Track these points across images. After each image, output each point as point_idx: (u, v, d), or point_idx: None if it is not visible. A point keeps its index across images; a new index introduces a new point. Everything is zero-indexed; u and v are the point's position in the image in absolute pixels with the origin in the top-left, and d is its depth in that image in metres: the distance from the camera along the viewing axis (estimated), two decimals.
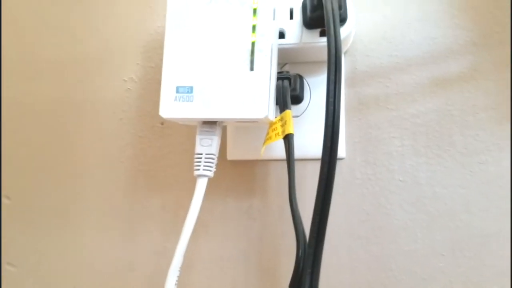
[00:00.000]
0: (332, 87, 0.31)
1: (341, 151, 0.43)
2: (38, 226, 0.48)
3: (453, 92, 0.42)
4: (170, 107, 0.33)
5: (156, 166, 0.46)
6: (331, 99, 0.30)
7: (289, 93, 0.37)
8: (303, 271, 0.30)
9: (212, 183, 0.38)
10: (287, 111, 0.35)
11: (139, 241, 0.45)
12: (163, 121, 0.46)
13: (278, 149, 0.42)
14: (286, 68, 0.43)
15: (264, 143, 0.36)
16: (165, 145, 0.46)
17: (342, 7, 0.37)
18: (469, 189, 0.40)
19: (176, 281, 0.33)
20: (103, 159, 0.47)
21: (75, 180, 0.47)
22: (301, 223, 0.32)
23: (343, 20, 0.38)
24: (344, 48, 0.43)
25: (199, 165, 0.34)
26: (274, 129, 0.35)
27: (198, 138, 0.34)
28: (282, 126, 0.35)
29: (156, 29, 0.47)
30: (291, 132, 0.34)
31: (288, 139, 0.34)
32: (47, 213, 0.48)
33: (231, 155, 0.44)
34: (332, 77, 0.32)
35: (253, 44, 0.33)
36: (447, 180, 0.41)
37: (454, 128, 0.41)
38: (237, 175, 0.45)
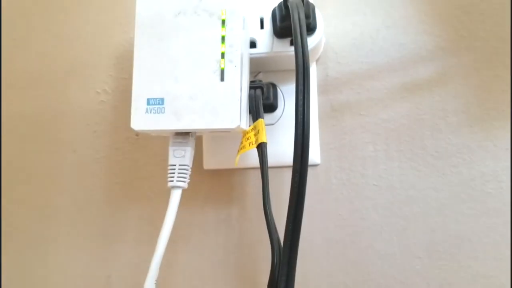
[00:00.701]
0: (300, 97, 0.31)
1: (316, 158, 0.43)
2: (13, 242, 0.47)
3: (423, 96, 0.43)
4: (142, 120, 0.33)
5: (132, 178, 0.46)
6: (300, 108, 0.30)
7: (261, 102, 0.37)
8: (278, 278, 0.30)
9: (189, 193, 0.37)
10: (260, 120, 0.35)
11: (116, 255, 0.45)
12: (137, 133, 0.46)
13: (253, 158, 0.42)
14: (259, 76, 0.43)
15: (238, 153, 0.36)
16: (140, 157, 0.46)
17: (310, 16, 0.38)
18: (443, 192, 0.41)
19: None
20: (78, 172, 0.47)
21: (50, 193, 0.47)
22: (275, 231, 0.33)
23: (312, 29, 0.39)
24: (315, 56, 0.43)
25: (172, 177, 0.34)
26: (248, 138, 0.35)
27: (171, 149, 0.34)
28: (255, 135, 0.35)
29: (128, 40, 0.47)
30: (264, 140, 0.35)
31: (261, 148, 0.35)
32: (20, 227, 0.47)
33: (207, 165, 0.44)
34: (301, 87, 0.32)
35: (222, 54, 0.33)
36: (420, 184, 0.42)
37: (425, 132, 0.42)
38: (214, 184, 0.44)
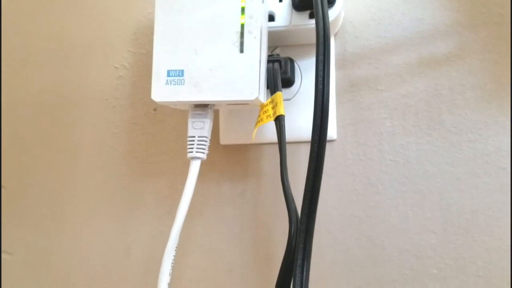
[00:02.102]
0: (321, 67, 0.32)
1: (332, 133, 0.43)
2: (32, 214, 0.48)
3: (441, 72, 0.42)
4: (162, 91, 0.34)
5: (150, 152, 0.46)
6: (320, 78, 0.31)
7: (279, 75, 0.37)
8: (295, 247, 0.31)
9: (206, 168, 0.38)
10: (278, 93, 0.36)
11: (135, 226, 0.46)
12: (155, 107, 0.46)
13: (270, 133, 0.43)
14: (276, 51, 0.44)
15: (255, 126, 0.36)
16: (158, 131, 0.46)
17: None
18: (458, 167, 0.41)
19: (173, 261, 0.34)
20: (97, 146, 0.47)
21: (70, 168, 0.48)
22: (293, 201, 0.33)
23: (331, 2, 0.39)
24: (333, 30, 0.43)
25: (192, 148, 0.34)
26: (265, 111, 0.36)
27: (190, 121, 0.35)
28: (273, 108, 0.35)
29: (146, 15, 0.47)
30: (282, 113, 0.35)
31: (279, 121, 0.35)
32: (41, 201, 0.48)
33: (224, 140, 0.45)
34: (321, 57, 0.32)
35: (242, 26, 0.33)
36: (437, 159, 0.42)
37: (442, 108, 0.42)
38: (231, 159, 0.45)
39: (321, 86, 0.31)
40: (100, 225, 0.47)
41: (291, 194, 0.34)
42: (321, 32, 0.32)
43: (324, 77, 0.31)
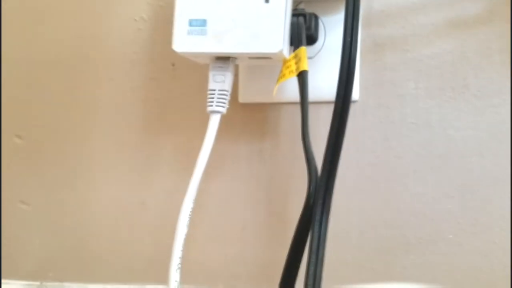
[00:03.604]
0: (349, 26, 0.31)
1: (355, 94, 0.42)
2: (50, 165, 0.49)
3: (469, 34, 0.41)
4: (183, 42, 0.33)
5: (167, 107, 0.46)
6: (348, 37, 0.30)
7: (304, 30, 0.36)
8: (314, 203, 0.31)
9: (224, 126, 0.38)
10: (302, 48, 0.35)
11: (152, 181, 0.46)
12: (174, 63, 0.46)
13: (290, 92, 0.42)
14: (301, 6, 0.42)
15: (277, 81, 0.35)
16: (176, 87, 0.46)
17: None
18: (481, 132, 0.40)
19: (190, 213, 0.34)
20: (115, 100, 0.47)
21: (87, 121, 0.48)
22: (313, 158, 0.33)
23: None
24: None
25: (212, 101, 0.34)
26: (288, 67, 0.35)
27: (211, 74, 0.34)
28: (296, 63, 0.35)
29: None
30: (306, 69, 0.34)
31: (302, 76, 0.34)
32: (59, 152, 0.48)
33: (243, 98, 0.44)
34: (350, 15, 0.31)
35: None
36: (459, 123, 0.41)
37: (468, 71, 0.41)
38: (249, 118, 0.45)
39: (349, 39, 0.30)
40: (117, 177, 0.47)
41: (312, 151, 0.33)
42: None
43: (351, 37, 0.30)
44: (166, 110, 0.46)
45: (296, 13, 0.37)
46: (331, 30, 0.42)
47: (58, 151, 0.48)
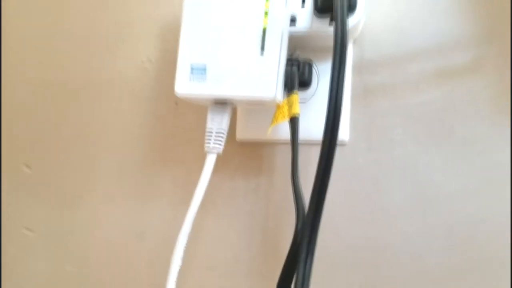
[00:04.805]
0: (336, 73, 0.33)
1: (345, 136, 0.44)
2: (55, 194, 0.51)
3: (457, 83, 0.43)
4: (185, 85, 0.36)
5: (169, 143, 0.48)
6: (334, 85, 0.32)
7: (297, 77, 0.39)
8: (300, 242, 0.33)
9: (221, 162, 0.40)
10: (294, 94, 0.37)
11: (150, 213, 0.48)
12: (177, 102, 0.48)
13: (285, 132, 0.44)
14: (297, 53, 0.45)
15: (271, 124, 0.38)
16: (178, 124, 0.48)
17: None
18: (466, 178, 0.42)
19: (185, 247, 0.36)
20: (120, 134, 0.50)
21: (92, 152, 0.50)
22: (301, 198, 0.35)
23: (352, 8, 0.40)
24: (353, 36, 0.44)
25: (209, 141, 0.36)
26: (281, 111, 0.37)
27: (209, 115, 0.37)
28: (288, 108, 0.37)
29: (172, 12, 0.49)
30: (297, 114, 0.36)
31: (293, 121, 0.36)
32: (64, 182, 0.51)
33: (240, 136, 0.46)
34: (337, 64, 0.34)
35: (264, 29, 0.35)
36: (445, 169, 0.43)
37: (455, 119, 0.43)
38: (245, 155, 0.47)
39: (334, 92, 0.32)
40: (118, 208, 0.49)
41: (300, 191, 0.35)
42: (339, 39, 0.33)
43: (338, 84, 0.32)
44: (168, 145, 0.48)
45: (291, 61, 0.40)
46: (324, 75, 0.44)
47: (64, 180, 0.51)
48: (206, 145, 0.36)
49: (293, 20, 0.41)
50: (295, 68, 0.40)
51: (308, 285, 0.31)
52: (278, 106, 0.38)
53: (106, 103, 0.50)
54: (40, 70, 0.52)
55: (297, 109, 0.36)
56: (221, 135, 0.36)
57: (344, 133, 0.44)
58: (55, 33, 0.53)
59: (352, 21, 0.40)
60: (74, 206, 0.50)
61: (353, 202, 0.44)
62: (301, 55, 0.44)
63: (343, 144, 0.45)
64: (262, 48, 0.35)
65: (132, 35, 0.50)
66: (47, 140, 0.52)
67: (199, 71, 0.35)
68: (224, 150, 0.40)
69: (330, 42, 0.37)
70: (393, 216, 0.43)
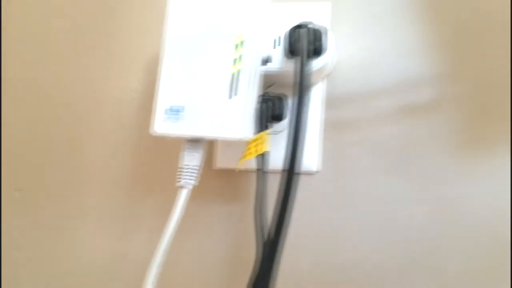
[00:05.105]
0: (294, 112, 0.37)
1: (316, 166, 0.48)
2: (43, 216, 0.54)
3: (418, 118, 0.46)
4: (161, 125, 0.39)
5: (152, 170, 0.52)
6: (293, 124, 0.36)
7: (267, 115, 0.42)
8: (260, 271, 0.36)
9: (199, 190, 0.43)
10: (263, 133, 0.40)
11: (133, 236, 0.52)
12: None
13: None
14: (273, 86, 0.48)
15: (240, 159, 0.41)
16: (162, 152, 0.51)
17: (320, 40, 0.42)
18: (425, 206, 0.45)
19: (154, 277, 0.39)
20: (105, 160, 0.53)
21: (80, 177, 0.54)
22: (261, 229, 0.38)
23: (320, 51, 0.43)
24: (322, 74, 0.47)
25: (180, 177, 0.40)
26: (250, 148, 0.41)
27: (183, 152, 0.40)
28: (258, 145, 0.40)
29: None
30: (263, 152, 0.40)
31: (261, 157, 0.40)
32: (52, 205, 0.54)
33: (218, 164, 0.50)
34: (296, 103, 0.37)
35: (233, 75, 0.39)
36: (407, 199, 0.46)
37: (416, 151, 0.46)
38: (223, 182, 0.50)
39: (293, 132, 0.36)
40: (103, 231, 0.52)
41: (262, 223, 0.38)
42: (298, 87, 0.37)
43: (296, 122, 0.36)
44: (151, 173, 0.52)
45: (264, 99, 0.43)
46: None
47: (52, 204, 0.54)
48: (177, 182, 0.40)
49: (267, 61, 0.44)
50: (264, 106, 0.43)
51: None
52: (247, 143, 0.41)
53: (93, 129, 0.54)
54: (32, 100, 0.56)
55: (265, 147, 0.40)
56: (195, 171, 0.40)
57: (314, 163, 0.48)
58: (46, 60, 0.56)
59: (320, 62, 0.44)
60: (61, 228, 0.54)
61: (319, 229, 0.47)
62: (277, 90, 0.48)
63: (312, 174, 0.48)
64: (231, 92, 0.38)
65: (122, 65, 0.54)
66: (36, 166, 0.55)
67: (174, 112, 0.39)
68: (204, 178, 0.43)
69: None
70: (354, 245, 0.46)
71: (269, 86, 0.48)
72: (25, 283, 0.54)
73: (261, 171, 0.39)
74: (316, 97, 0.48)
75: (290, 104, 0.47)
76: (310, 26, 0.41)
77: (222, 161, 0.50)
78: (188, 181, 0.40)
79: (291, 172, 0.37)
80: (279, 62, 0.45)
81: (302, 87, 0.38)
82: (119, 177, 0.53)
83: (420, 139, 0.46)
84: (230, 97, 0.38)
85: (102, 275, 0.52)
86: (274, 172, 0.45)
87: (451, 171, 0.45)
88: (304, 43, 0.39)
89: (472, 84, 0.46)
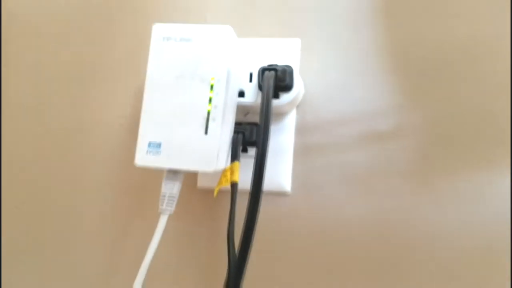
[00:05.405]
0: (260, 143, 0.42)
1: (288, 187, 0.52)
2: (39, 230, 0.59)
3: (380, 145, 0.51)
4: (143, 158, 0.44)
5: (138, 195, 0.56)
6: (257, 159, 0.41)
7: (240, 146, 0.47)
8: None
9: (182, 207, 0.48)
10: (236, 162, 0.45)
11: (120, 257, 0.56)
12: None
13: (241, 181, 0.52)
14: (249, 115, 0.53)
15: (216, 187, 0.46)
16: (148, 178, 0.56)
17: (286, 79, 0.47)
18: (385, 226, 0.50)
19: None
20: (97, 184, 0.58)
21: (70, 200, 0.58)
22: (232, 250, 0.43)
23: (288, 88, 0.48)
24: (293, 105, 0.52)
25: (163, 203, 0.44)
26: (225, 176, 0.45)
27: (164, 182, 0.45)
28: (230, 174, 0.45)
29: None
30: (236, 180, 0.45)
31: (233, 187, 0.45)
32: (48, 220, 0.59)
33: (200, 183, 0.54)
34: (261, 135, 0.43)
35: (208, 112, 0.43)
36: (368, 217, 0.51)
37: (378, 175, 0.51)
38: (205, 201, 0.55)
39: (257, 166, 0.41)
40: (94, 247, 0.57)
41: (232, 243, 0.43)
42: (262, 119, 0.43)
43: (259, 157, 0.41)
44: (138, 195, 0.56)
45: (237, 130, 0.48)
46: (272, 136, 0.52)
47: (48, 219, 0.59)
48: (160, 207, 0.45)
49: (242, 94, 0.49)
50: (240, 136, 0.48)
51: None
52: (223, 171, 0.46)
53: (83, 153, 0.58)
54: (29, 127, 0.61)
55: (237, 176, 0.45)
56: (173, 199, 0.44)
57: (286, 184, 0.53)
58: (40, 85, 0.61)
59: (288, 97, 0.48)
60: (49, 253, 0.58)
61: (291, 247, 0.52)
62: (251, 118, 0.52)
63: (286, 195, 0.53)
64: (206, 128, 0.43)
65: (110, 91, 0.58)
66: (32, 185, 0.59)
67: (154, 147, 0.43)
68: (186, 197, 0.48)
69: (274, 111, 0.46)
70: (331, 267, 0.51)
71: (246, 114, 0.53)
72: None
73: (234, 197, 0.44)
74: (289, 125, 0.53)
75: None
76: (278, 67, 0.46)
77: (202, 182, 0.54)
78: (166, 208, 0.44)
79: (255, 191, 0.42)
80: (252, 95, 0.49)
81: (266, 122, 0.43)
82: (106, 202, 0.57)
83: (381, 164, 0.51)
84: (206, 133, 0.43)
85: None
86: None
87: (409, 193, 0.50)
88: (266, 85, 0.44)
89: (429, 114, 0.51)
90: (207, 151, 0.43)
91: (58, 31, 0.62)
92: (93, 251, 0.57)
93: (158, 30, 0.45)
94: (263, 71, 0.46)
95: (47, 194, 0.59)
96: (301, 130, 0.53)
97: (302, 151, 0.53)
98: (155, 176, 0.55)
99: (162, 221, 0.44)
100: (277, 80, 0.46)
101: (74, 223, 0.58)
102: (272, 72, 0.46)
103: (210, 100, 0.43)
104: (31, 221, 0.59)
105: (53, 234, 0.58)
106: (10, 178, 0.61)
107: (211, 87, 0.44)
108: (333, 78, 0.53)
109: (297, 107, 0.53)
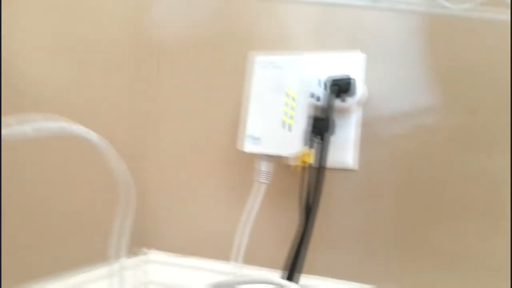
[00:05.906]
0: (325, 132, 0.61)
1: (356, 165, 0.70)
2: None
3: (430, 137, 0.66)
4: (248, 145, 0.65)
5: (246, 175, 0.79)
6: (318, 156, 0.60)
7: (315, 132, 0.66)
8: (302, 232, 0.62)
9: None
10: (307, 148, 0.64)
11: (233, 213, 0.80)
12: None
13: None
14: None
15: (295, 162, 0.66)
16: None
17: (349, 89, 0.64)
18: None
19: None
20: (211, 164, 0.81)
21: (196, 173, 0.83)
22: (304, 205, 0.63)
23: (353, 93, 0.65)
24: (360, 104, 0.69)
25: (261, 177, 0.65)
26: (300, 157, 0.65)
27: (262, 163, 0.65)
28: (305, 156, 0.64)
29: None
30: (308, 161, 0.64)
31: (305, 166, 0.64)
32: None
33: (288, 163, 0.75)
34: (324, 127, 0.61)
35: (291, 116, 0.63)
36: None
37: (425, 160, 0.66)
38: (290, 176, 0.75)
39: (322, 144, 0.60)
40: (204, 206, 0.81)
41: (306, 198, 0.63)
42: (326, 118, 0.61)
43: (321, 157, 0.60)
44: (241, 172, 0.79)
45: (315, 119, 0.66)
46: (339, 127, 0.70)
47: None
48: (260, 180, 0.66)
49: (318, 99, 0.68)
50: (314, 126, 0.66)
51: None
52: (298, 155, 0.65)
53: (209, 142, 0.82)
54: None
55: (309, 158, 0.64)
56: (268, 174, 0.65)
57: (354, 163, 0.70)
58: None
59: (353, 100, 0.66)
60: None
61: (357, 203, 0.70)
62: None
63: (354, 171, 0.71)
64: (290, 128, 0.62)
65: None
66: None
67: (256, 139, 0.64)
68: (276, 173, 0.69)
69: (342, 110, 0.65)
70: (383, 211, 0.69)
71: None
72: None
73: (305, 172, 0.64)
74: (357, 119, 0.71)
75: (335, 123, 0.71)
76: (341, 81, 0.64)
77: (290, 162, 0.75)
78: (265, 181, 0.65)
79: (320, 167, 0.61)
80: (324, 100, 0.68)
81: (328, 120, 0.61)
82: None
83: (427, 150, 0.66)
84: (290, 130, 0.62)
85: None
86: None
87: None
88: (329, 96, 0.62)
89: (461, 112, 0.64)
90: (291, 143, 0.63)
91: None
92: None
93: (259, 60, 0.65)
94: (330, 85, 0.64)
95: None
96: (366, 121, 0.70)
97: (367, 139, 0.70)
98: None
99: (261, 190, 0.65)
100: (341, 90, 0.64)
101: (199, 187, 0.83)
102: (337, 86, 0.64)
103: (292, 107, 0.63)
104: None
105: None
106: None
107: (292, 98, 0.63)
108: (391, 84, 0.69)
109: (364, 105, 0.70)
